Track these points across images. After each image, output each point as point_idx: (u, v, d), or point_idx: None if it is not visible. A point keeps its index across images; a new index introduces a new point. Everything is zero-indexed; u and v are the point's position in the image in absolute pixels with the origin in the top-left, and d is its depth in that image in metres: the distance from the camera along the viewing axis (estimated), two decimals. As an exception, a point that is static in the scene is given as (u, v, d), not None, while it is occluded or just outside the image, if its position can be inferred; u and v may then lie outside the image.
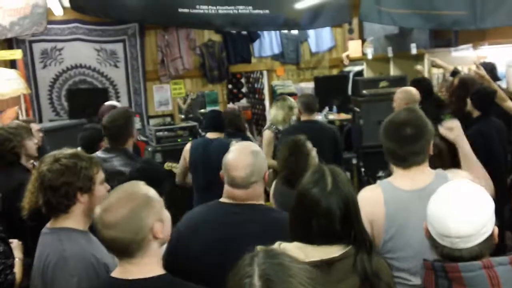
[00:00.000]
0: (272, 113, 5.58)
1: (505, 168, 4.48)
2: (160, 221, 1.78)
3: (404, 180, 2.27)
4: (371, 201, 2.24)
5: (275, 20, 5.33)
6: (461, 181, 1.78)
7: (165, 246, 2.07)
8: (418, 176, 2.27)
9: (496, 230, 1.69)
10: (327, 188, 1.79)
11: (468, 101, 4.53)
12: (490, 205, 1.68)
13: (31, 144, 3.55)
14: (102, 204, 1.78)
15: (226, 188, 2.27)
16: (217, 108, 9.07)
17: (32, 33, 5.13)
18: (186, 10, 4.85)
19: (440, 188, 1.76)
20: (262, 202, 2.32)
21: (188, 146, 4.56)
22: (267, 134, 5.47)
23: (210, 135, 4.59)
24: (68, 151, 2.27)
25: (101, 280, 1.95)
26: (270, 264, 1.26)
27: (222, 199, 2.29)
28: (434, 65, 6.39)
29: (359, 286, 1.76)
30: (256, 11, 5.06)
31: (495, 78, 5.47)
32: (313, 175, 1.87)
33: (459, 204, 1.65)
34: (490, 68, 5.47)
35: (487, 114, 4.48)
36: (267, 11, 5.11)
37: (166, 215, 1.86)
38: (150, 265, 1.76)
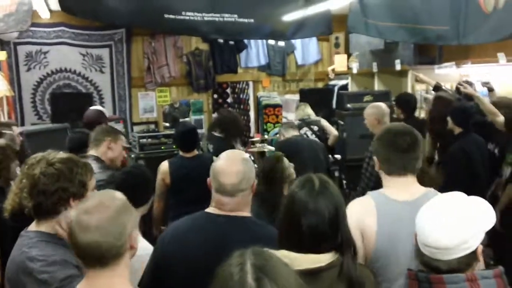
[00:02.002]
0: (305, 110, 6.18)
1: (486, 184, 4.52)
2: (136, 230, 1.72)
3: (397, 190, 2.28)
4: (363, 211, 2.24)
5: (260, 29, 5.41)
6: (455, 194, 1.76)
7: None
8: (411, 187, 2.29)
9: (481, 248, 1.67)
10: (315, 189, 1.81)
11: (449, 119, 4.58)
12: (479, 222, 1.67)
13: (14, 167, 3.47)
14: (79, 207, 1.69)
15: (214, 195, 2.18)
16: (202, 117, 9.06)
17: (16, 31, 5.08)
18: (171, 16, 4.90)
19: (433, 198, 1.78)
20: (248, 213, 2.25)
21: (165, 167, 4.28)
22: None
23: (186, 154, 4.34)
24: (60, 154, 2.20)
25: None
26: (260, 255, 1.28)
27: (209, 209, 2.22)
28: (417, 79, 6.46)
29: None
30: (241, 20, 5.13)
31: None
32: (301, 181, 1.88)
33: (444, 217, 1.65)
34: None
35: (468, 131, 4.53)
36: (252, 20, 5.19)
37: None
38: (121, 277, 1.65)
